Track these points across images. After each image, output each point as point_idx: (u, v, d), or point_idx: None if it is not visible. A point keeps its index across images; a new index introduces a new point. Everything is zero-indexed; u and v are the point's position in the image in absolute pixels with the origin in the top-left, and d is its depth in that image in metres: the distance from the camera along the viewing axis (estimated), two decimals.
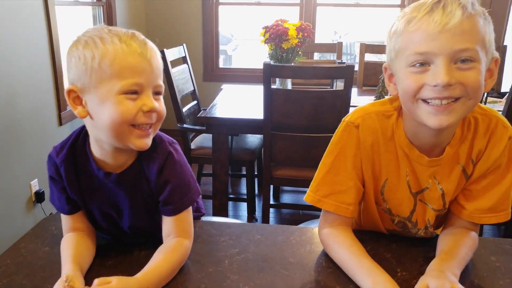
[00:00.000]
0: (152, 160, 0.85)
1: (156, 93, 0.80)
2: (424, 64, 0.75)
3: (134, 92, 0.76)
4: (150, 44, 0.80)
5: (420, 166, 0.88)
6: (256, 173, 2.86)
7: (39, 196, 2.31)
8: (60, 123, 2.47)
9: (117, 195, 0.89)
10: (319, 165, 0.95)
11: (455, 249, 0.85)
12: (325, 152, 0.93)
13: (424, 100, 0.77)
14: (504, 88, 2.88)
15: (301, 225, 1.30)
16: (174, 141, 0.91)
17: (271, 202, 2.51)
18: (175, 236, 0.87)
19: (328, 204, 0.92)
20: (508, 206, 0.89)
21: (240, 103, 2.64)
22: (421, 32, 0.74)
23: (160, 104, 0.80)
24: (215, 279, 0.83)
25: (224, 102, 2.55)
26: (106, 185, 0.87)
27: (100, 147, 0.84)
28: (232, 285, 0.81)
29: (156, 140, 0.86)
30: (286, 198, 2.98)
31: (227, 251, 0.92)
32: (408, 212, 0.94)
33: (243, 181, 3.16)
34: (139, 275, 0.78)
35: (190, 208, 0.90)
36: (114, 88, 0.75)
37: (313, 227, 1.04)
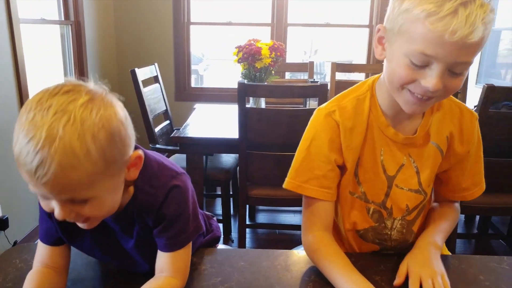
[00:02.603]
0: (151, 195, 0.77)
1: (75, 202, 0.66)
2: (423, 65, 0.75)
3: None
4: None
5: (395, 144, 0.91)
6: (231, 192, 2.81)
7: (1, 223, 2.17)
8: None
9: (115, 234, 0.82)
10: (296, 152, 0.96)
11: (439, 223, 0.95)
12: (301, 140, 0.95)
13: (409, 90, 0.79)
14: None
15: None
16: (181, 171, 0.82)
17: (247, 222, 2.46)
18: (167, 274, 0.79)
19: (309, 190, 0.92)
20: (482, 179, 1.00)
21: (214, 122, 2.60)
22: (436, 33, 0.70)
23: (83, 209, 0.67)
24: None
25: (198, 122, 2.51)
26: (103, 223, 0.79)
27: None
28: None
29: (156, 173, 0.78)
30: (262, 218, 2.93)
31: (209, 280, 0.87)
32: (382, 195, 0.94)
33: (218, 201, 3.10)
34: None
35: (189, 247, 0.83)
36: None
37: (297, 251, 1.00)
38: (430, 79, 0.74)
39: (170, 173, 0.80)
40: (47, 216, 0.80)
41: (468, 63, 0.74)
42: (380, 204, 0.95)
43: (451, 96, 0.88)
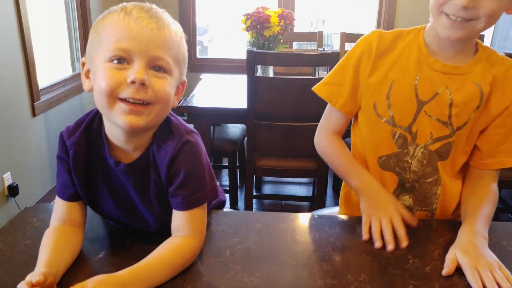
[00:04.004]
0: (164, 149, 0.77)
1: (157, 68, 0.71)
2: None
3: (120, 60, 0.68)
4: (161, 16, 0.72)
5: (434, 73, 0.93)
6: (237, 164, 2.80)
7: (12, 190, 2.18)
8: (34, 114, 2.33)
9: (127, 187, 0.81)
10: None
11: (479, 209, 0.90)
12: None
13: (445, 13, 0.85)
14: None
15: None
16: (194, 130, 0.82)
17: (254, 193, 2.46)
18: (184, 233, 0.79)
19: (323, 90, 1.05)
20: None
21: (221, 92, 2.57)
22: None
23: (159, 83, 0.71)
24: (217, 270, 0.77)
25: (205, 92, 2.48)
26: (116, 175, 0.80)
27: (111, 129, 0.77)
28: (236, 277, 0.76)
29: (172, 128, 0.79)
30: (268, 189, 2.94)
31: (227, 240, 0.87)
32: (410, 119, 0.96)
33: (225, 173, 3.10)
34: (125, 272, 0.69)
35: (205, 207, 0.82)
36: (103, 56, 0.69)
37: (315, 214, 1.00)
38: None
39: (185, 128, 0.80)
40: (65, 170, 0.80)
41: None
42: (406, 128, 0.97)
43: (505, 56, 0.94)
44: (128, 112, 0.69)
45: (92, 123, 0.79)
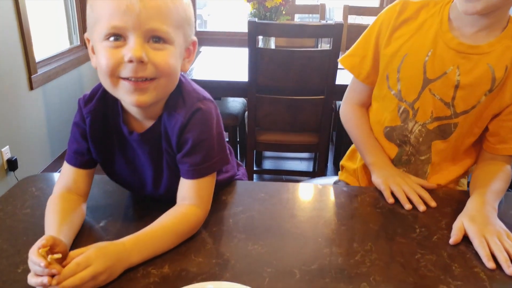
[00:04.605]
0: (174, 117, 0.74)
1: (156, 39, 0.66)
2: None
3: (116, 37, 0.65)
4: None
5: (447, 51, 0.90)
6: (238, 139, 2.78)
7: (11, 164, 2.16)
8: (31, 87, 2.29)
9: (141, 157, 0.80)
10: None
11: (490, 183, 0.88)
12: None
13: None
14: None
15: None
16: (208, 97, 0.79)
17: (254, 168, 2.45)
18: (189, 202, 0.77)
19: (347, 62, 1.05)
20: None
21: (221, 65, 2.53)
22: None
23: (159, 56, 0.67)
24: (220, 238, 0.76)
25: (204, 65, 2.44)
26: (130, 144, 0.78)
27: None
28: (240, 245, 0.74)
29: (183, 96, 0.75)
30: (268, 165, 2.93)
31: (230, 210, 0.85)
32: (415, 95, 0.95)
33: None
34: (127, 239, 0.68)
35: (213, 177, 0.80)
36: (99, 34, 0.66)
37: (319, 184, 0.98)
38: None
39: (197, 96, 0.77)
40: (82, 137, 0.78)
41: None
42: (410, 104, 0.96)
43: None
44: (132, 91, 0.67)
45: (107, 92, 0.75)
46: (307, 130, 2.17)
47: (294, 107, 2.05)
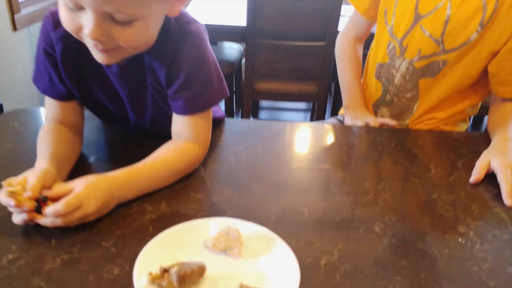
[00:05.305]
0: (162, 46, 0.64)
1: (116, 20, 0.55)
2: None
3: (74, 3, 0.54)
4: None
5: None
6: (234, 89, 2.70)
7: None
8: (15, 28, 2.16)
9: (120, 94, 0.71)
10: None
11: (508, 123, 0.83)
12: None
13: None
14: None
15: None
16: (197, 20, 0.68)
17: (251, 119, 2.38)
18: (186, 139, 0.69)
19: None
20: None
21: (217, 7, 2.39)
22: None
23: (124, 33, 0.56)
24: (221, 177, 0.70)
25: (198, 7, 2.31)
26: (108, 76, 0.69)
27: None
28: (243, 184, 0.68)
29: (171, 20, 0.65)
30: (264, 115, 2.86)
31: (231, 148, 0.79)
32: (404, 31, 0.92)
33: None
34: (120, 172, 0.61)
35: (210, 113, 0.72)
36: None
37: (324, 124, 0.92)
38: None
39: (186, 18, 0.67)
40: (52, 66, 0.68)
41: None
42: (399, 41, 0.94)
43: None
44: (97, 52, 0.59)
45: None
46: (307, 78, 2.09)
47: (294, 53, 1.96)
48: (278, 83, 2.11)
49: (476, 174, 0.71)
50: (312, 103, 2.54)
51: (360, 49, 1.11)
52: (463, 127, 1.03)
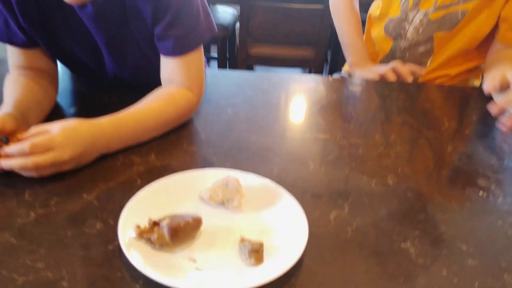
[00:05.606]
0: None
1: None
2: None
3: None
4: None
5: None
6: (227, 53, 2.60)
7: None
8: None
9: (96, 38, 0.63)
10: None
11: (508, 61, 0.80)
12: None
13: None
14: None
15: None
16: None
17: None
18: (178, 84, 0.62)
19: None
20: None
21: None
22: None
23: None
24: (218, 128, 0.63)
25: None
26: (80, 19, 0.60)
27: None
28: (242, 136, 0.62)
29: None
30: None
31: (228, 100, 0.72)
32: None
33: (213, 65, 2.90)
34: (106, 120, 0.54)
35: (201, 51, 0.65)
36: None
37: (329, 77, 0.85)
38: None
39: None
40: (6, 8, 0.59)
41: None
42: None
43: None
44: None
45: None
46: (303, 43, 2.01)
47: (290, 16, 1.88)
48: (273, 47, 2.03)
49: (492, 81, 0.68)
50: (308, 69, 2.46)
51: (356, 4, 1.02)
52: (476, 83, 0.97)
